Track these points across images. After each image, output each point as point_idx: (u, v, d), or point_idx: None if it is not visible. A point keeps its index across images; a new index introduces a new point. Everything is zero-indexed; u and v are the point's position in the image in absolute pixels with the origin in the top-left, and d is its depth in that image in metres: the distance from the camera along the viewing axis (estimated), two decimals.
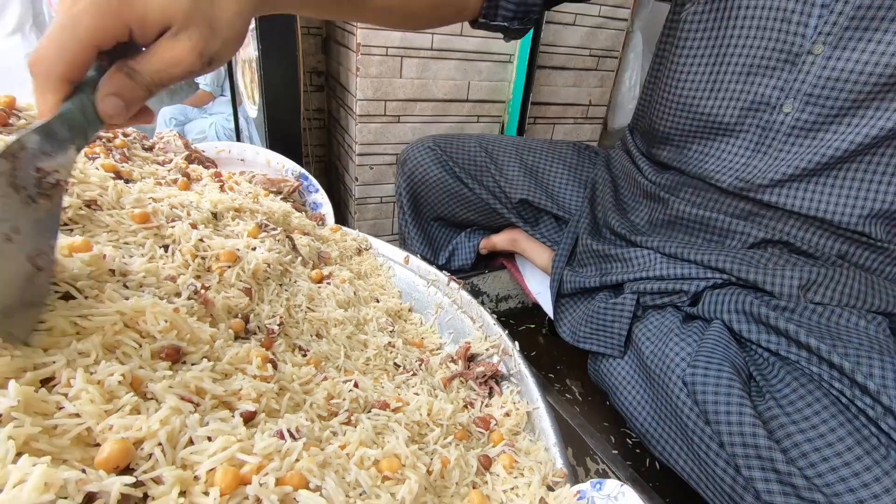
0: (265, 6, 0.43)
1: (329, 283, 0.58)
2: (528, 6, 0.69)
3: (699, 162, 0.72)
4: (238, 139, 2.18)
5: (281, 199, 0.76)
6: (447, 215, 0.98)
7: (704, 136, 0.73)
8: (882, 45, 0.57)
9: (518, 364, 0.54)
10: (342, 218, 1.21)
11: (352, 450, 0.34)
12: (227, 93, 2.70)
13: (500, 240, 0.98)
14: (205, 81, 2.82)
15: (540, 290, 0.96)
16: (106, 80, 0.32)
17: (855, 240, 0.65)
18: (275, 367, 0.39)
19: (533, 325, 1.07)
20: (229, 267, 0.47)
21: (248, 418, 0.32)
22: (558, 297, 0.84)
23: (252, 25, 0.98)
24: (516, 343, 0.56)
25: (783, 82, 0.64)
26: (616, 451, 0.65)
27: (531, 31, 0.91)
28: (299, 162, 1.01)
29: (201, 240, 0.48)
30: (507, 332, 0.58)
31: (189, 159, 0.70)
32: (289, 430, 0.31)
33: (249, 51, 1.05)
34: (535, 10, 0.70)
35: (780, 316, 0.60)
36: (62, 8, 0.30)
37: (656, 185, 0.79)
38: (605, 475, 0.64)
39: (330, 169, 1.25)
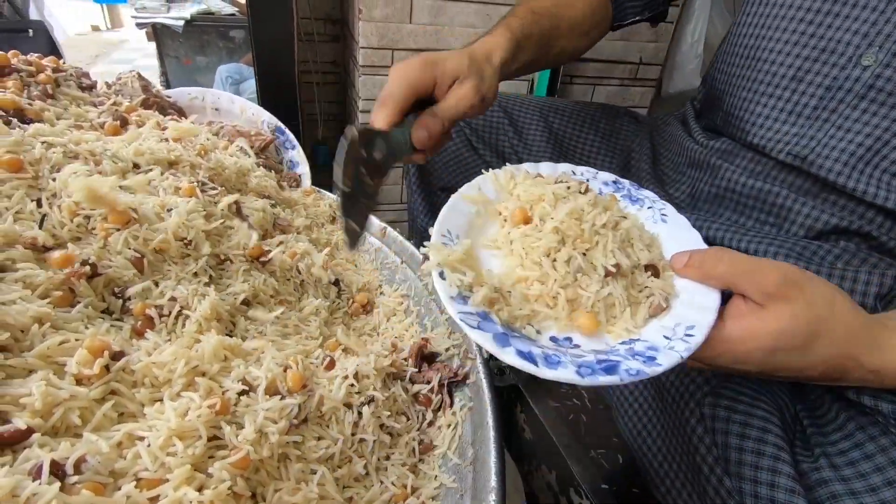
0: (504, 73, 0.55)
1: (269, 260, 0.48)
2: (653, 3, 0.70)
3: (753, 126, 0.58)
4: None
5: (253, 153, 0.67)
6: (455, 186, 0.86)
7: (760, 93, 0.57)
8: None
9: (478, 373, 0.43)
10: None
11: (172, 491, 0.25)
12: None
13: None
14: None
15: None
16: (418, 120, 0.48)
17: None
18: (116, 358, 0.30)
19: None
20: (118, 230, 0.39)
21: (13, 440, 0.23)
22: None
23: None
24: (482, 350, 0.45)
25: (867, 25, 0.47)
26: (606, 487, 0.52)
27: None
28: (293, 119, 0.92)
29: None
30: None
31: (147, 105, 0.62)
32: (54, 463, 0.23)
33: None
34: (659, 3, 0.71)
35: None
36: (396, 70, 0.47)
37: (708, 149, 0.64)
38: None
39: (343, 129, 1.15)
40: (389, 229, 0.63)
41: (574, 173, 0.49)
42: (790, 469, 0.38)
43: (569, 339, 0.37)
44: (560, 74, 0.95)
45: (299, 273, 0.50)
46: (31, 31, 0.72)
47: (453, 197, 0.43)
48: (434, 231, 0.39)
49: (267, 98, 0.94)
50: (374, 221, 0.65)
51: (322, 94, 1.09)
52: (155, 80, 3.36)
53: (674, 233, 0.45)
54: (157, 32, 2.90)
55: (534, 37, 0.59)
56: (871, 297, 0.48)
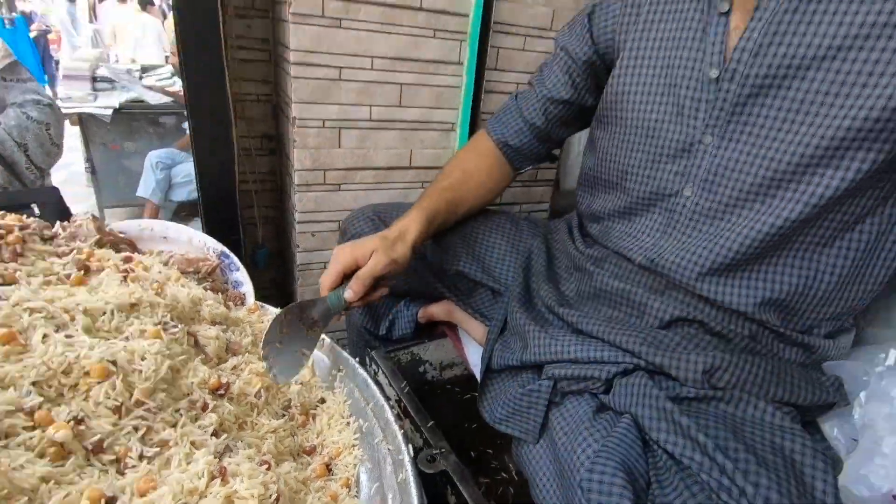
0: (420, 242, 0.80)
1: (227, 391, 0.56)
2: (538, 154, 0.92)
3: (618, 238, 0.74)
4: None
5: (199, 278, 0.75)
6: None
7: (624, 215, 0.75)
8: (762, 140, 0.59)
9: (406, 471, 0.53)
10: (291, 282, 1.21)
11: None
12: None
13: (437, 310, 0.97)
14: None
15: (478, 361, 0.94)
16: (347, 285, 0.71)
17: (758, 323, 0.66)
18: (110, 503, 0.38)
19: None
20: (99, 384, 0.46)
21: None
22: (487, 371, 0.83)
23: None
24: (409, 447, 0.55)
25: (682, 168, 0.66)
26: None
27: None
28: (234, 225, 1.02)
29: (75, 353, 0.47)
30: (402, 432, 0.57)
31: (100, 244, 0.70)
32: None
33: None
34: (544, 156, 0.94)
35: (684, 409, 0.60)
36: (334, 257, 0.74)
37: (585, 256, 0.81)
38: None
39: (281, 232, 1.25)
40: (326, 339, 0.73)
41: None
42: None
43: None
44: None
45: (258, 397, 0.59)
46: (35, 205, 0.74)
47: None
48: None
49: (209, 208, 1.03)
50: None
51: (260, 200, 1.19)
52: (80, 165, 3.29)
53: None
54: (83, 119, 2.89)
55: (442, 209, 0.81)
56: (699, 374, 0.63)
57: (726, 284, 0.65)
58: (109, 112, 2.86)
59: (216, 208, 1.04)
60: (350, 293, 0.71)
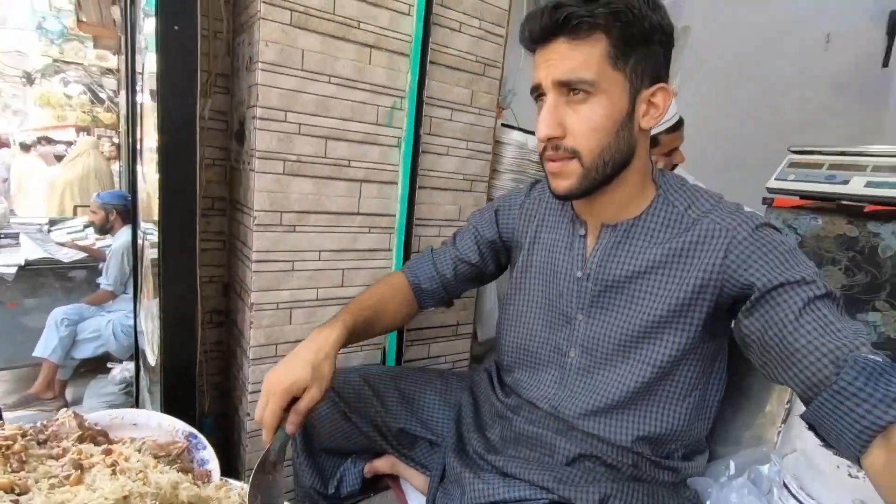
0: (340, 349, 0.87)
1: None
2: (441, 299, 1.10)
3: (528, 389, 0.95)
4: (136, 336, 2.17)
5: (170, 460, 0.83)
6: (333, 447, 1.09)
7: (531, 369, 0.97)
8: (612, 321, 0.85)
9: None
10: (235, 445, 1.27)
11: None
12: (130, 290, 2.72)
13: (382, 465, 1.09)
14: (107, 281, 2.84)
15: None
16: (287, 421, 0.78)
17: (637, 454, 0.87)
18: None
19: None
20: None
21: None
22: None
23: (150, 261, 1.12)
24: None
25: (567, 334, 0.91)
26: None
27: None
28: (192, 400, 1.10)
29: None
30: None
31: (82, 439, 0.77)
32: None
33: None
34: (444, 301, 1.12)
35: None
36: (271, 393, 0.78)
37: (504, 405, 1.00)
38: None
39: (225, 396, 1.33)
40: None
41: None
42: None
43: None
44: (403, 340, 1.31)
45: None
46: None
47: None
48: None
49: (170, 387, 1.11)
50: None
51: (207, 369, 1.28)
52: None
53: None
54: None
55: (360, 324, 0.92)
56: (596, 502, 0.81)
57: (609, 424, 0.87)
58: (13, 270, 2.77)
59: (175, 390, 1.12)
60: (291, 427, 0.78)
